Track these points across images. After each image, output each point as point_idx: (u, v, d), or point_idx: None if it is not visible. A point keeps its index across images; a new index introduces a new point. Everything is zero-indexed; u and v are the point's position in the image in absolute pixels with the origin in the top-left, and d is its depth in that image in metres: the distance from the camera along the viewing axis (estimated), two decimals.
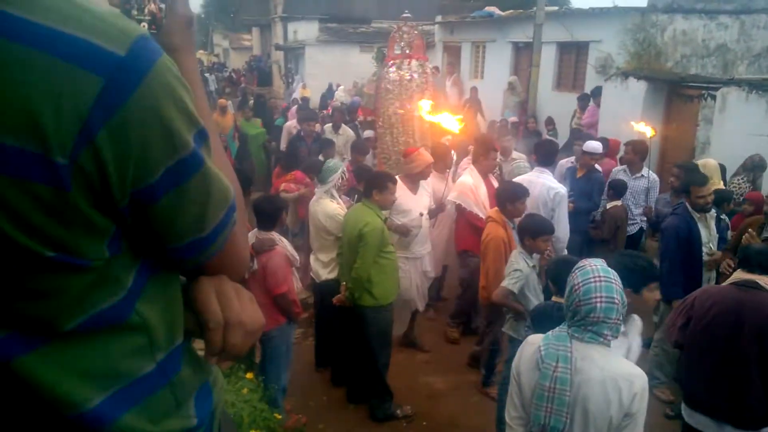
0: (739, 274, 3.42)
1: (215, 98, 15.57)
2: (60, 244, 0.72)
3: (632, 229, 6.57)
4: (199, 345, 1.00)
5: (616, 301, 2.26)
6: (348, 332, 4.75)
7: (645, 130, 6.39)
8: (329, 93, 18.94)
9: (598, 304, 2.25)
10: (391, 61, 7.63)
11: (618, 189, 6.33)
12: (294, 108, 13.10)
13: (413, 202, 5.25)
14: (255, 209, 4.20)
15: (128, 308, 0.82)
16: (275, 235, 4.21)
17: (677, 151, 8.99)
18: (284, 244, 4.24)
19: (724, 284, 3.59)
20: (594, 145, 6.45)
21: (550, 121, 10.97)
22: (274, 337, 4.20)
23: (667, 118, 9.63)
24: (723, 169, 6.50)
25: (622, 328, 2.43)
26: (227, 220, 0.90)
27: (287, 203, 5.95)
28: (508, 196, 4.71)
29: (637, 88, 9.62)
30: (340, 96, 17.67)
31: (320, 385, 5.12)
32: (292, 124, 10.04)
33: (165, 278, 0.90)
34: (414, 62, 7.59)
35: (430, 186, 5.59)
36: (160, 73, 0.76)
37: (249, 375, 4.54)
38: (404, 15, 8.15)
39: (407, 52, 7.62)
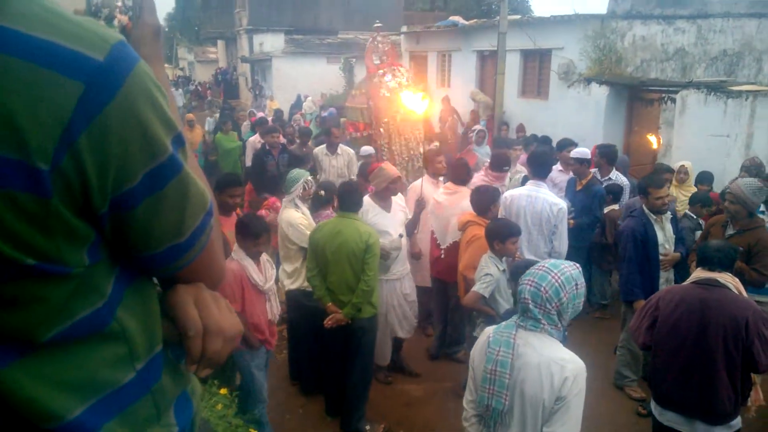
0: (699, 273, 3.49)
1: (182, 114, 15.28)
2: (41, 252, 0.71)
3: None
4: None
5: (543, 289, 2.42)
6: (322, 343, 4.67)
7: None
8: (298, 104, 18.92)
9: (526, 287, 2.47)
10: (382, 70, 7.65)
11: (616, 194, 6.35)
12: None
13: (389, 222, 4.93)
14: (237, 227, 4.09)
15: (108, 316, 0.82)
16: (236, 255, 4.02)
17: (640, 153, 9.20)
18: (245, 264, 3.99)
19: (686, 283, 3.64)
20: (582, 151, 6.40)
21: (521, 128, 11.07)
22: (239, 360, 4.15)
23: (629, 122, 9.86)
24: (711, 177, 6.67)
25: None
26: (204, 225, 0.90)
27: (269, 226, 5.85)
28: (497, 235, 4.31)
29: (600, 93, 9.83)
30: (309, 107, 17.65)
31: (296, 398, 5.07)
32: (256, 139, 9.78)
33: (142, 286, 0.90)
34: (402, 69, 7.68)
35: (403, 200, 5.31)
36: (139, 78, 0.77)
37: (223, 390, 4.50)
38: (376, 25, 8.16)
39: (384, 61, 7.66)
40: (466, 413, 2.69)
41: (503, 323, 2.61)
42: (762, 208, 5.14)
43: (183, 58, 43.42)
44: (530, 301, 2.44)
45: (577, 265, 2.57)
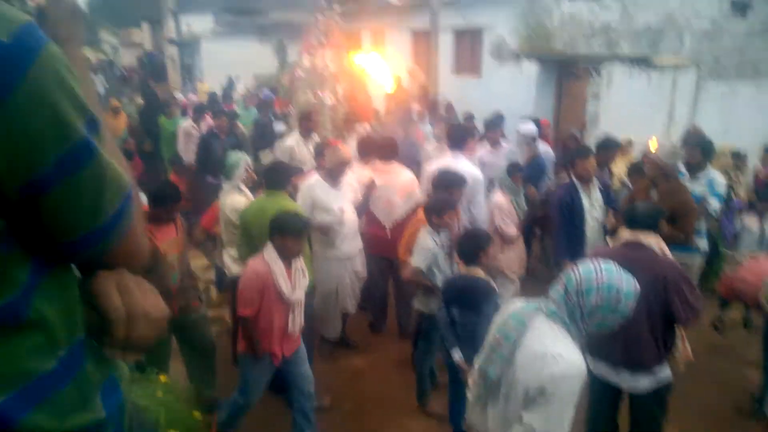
0: (625, 233, 3.65)
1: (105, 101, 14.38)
2: None
3: None
4: None
5: (578, 281, 2.35)
6: None
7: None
8: (230, 87, 18.49)
9: (570, 273, 2.40)
10: (306, 50, 7.54)
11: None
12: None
13: (333, 198, 4.90)
14: (274, 223, 3.75)
15: (24, 306, 0.80)
16: (267, 255, 3.66)
17: (570, 125, 9.47)
18: (274, 268, 3.63)
19: (614, 245, 3.81)
20: (529, 128, 6.60)
21: (450, 108, 11.12)
22: (242, 362, 3.90)
23: (559, 96, 10.15)
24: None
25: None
26: (123, 209, 0.88)
27: None
28: (434, 210, 4.32)
29: (531, 69, 10.06)
30: (242, 88, 17.26)
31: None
32: (189, 124, 9.37)
33: (60, 274, 0.88)
34: (329, 51, 7.54)
35: (356, 182, 5.26)
36: (48, 61, 0.75)
37: (162, 377, 4.40)
38: (320, 4, 8.02)
39: (324, 41, 7.54)
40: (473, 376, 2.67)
41: (529, 303, 2.50)
42: (683, 171, 5.41)
43: (106, 41, 41.59)
44: (562, 287, 2.38)
45: (637, 285, 2.43)
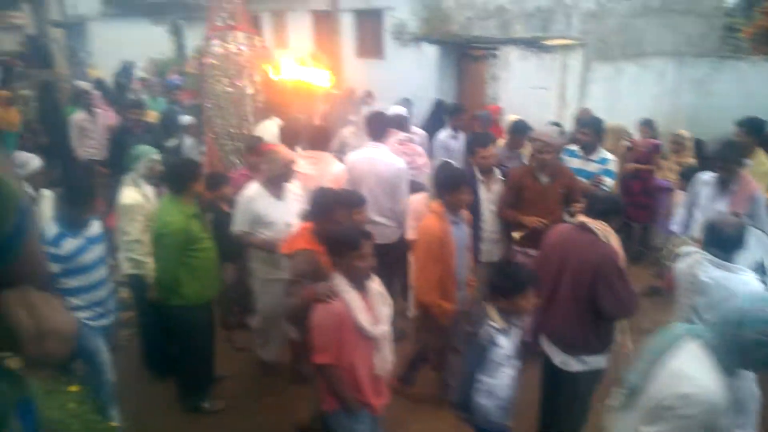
0: (582, 218, 3.69)
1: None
2: None
3: None
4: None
5: (733, 309, 2.32)
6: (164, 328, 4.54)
7: None
8: (124, 72, 17.57)
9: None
10: (212, 34, 7.11)
11: None
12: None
13: (279, 211, 4.45)
14: (326, 241, 3.25)
15: None
16: (341, 283, 3.03)
17: (472, 107, 9.74)
18: (349, 300, 3.00)
19: (569, 225, 3.92)
20: (397, 108, 6.84)
21: (369, 95, 10.94)
22: (335, 423, 3.22)
23: (459, 78, 10.40)
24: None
25: None
26: (20, 225, 0.86)
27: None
28: (448, 184, 4.06)
29: (431, 51, 10.23)
30: (142, 74, 16.47)
31: (149, 385, 4.90)
32: (81, 117, 8.66)
33: None
34: (240, 34, 7.09)
35: (299, 188, 4.77)
36: None
37: (73, 388, 4.21)
38: None
39: (230, 24, 7.14)
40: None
41: (687, 325, 2.58)
42: (575, 150, 5.73)
43: None
44: (714, 310, 2.43)
45: None
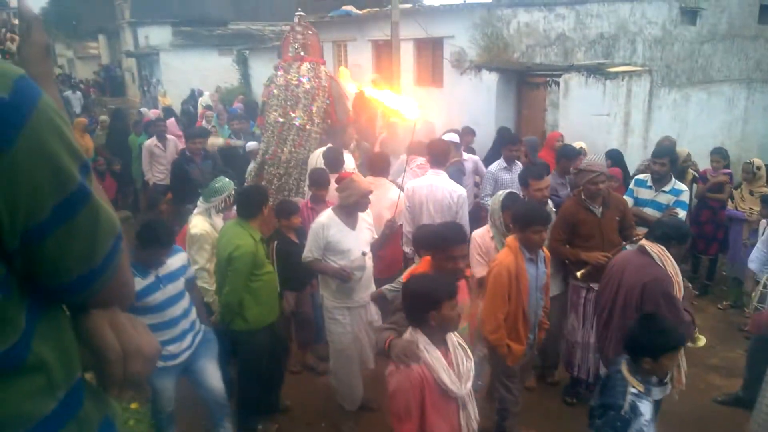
0: (643, 241, 3.83)
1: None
2: None
3: None
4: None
5: None
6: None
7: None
8: (191, 99, 18.29)
9: None
10: (281, 64, 7.29)
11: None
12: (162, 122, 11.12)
13: (352, 240, 4.36)
14: (404, 290, 2.92)
15: (24, 349, 0.81)
16: (420, 340, 2.70)
17: (529, 133, 9.66)
18: (430, 360, 2.67)
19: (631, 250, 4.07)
20: (450, 136, 6.81)
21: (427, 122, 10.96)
22: None
23: (518, 105, 10.34)
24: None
25: None
26: (115, 249, 0.90)
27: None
28: (524, 220, 3.87)
29: (490, 79, 10.22)
30: (206, 101, 17.08)
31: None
32: (152, 142, 8.96)
33: (55, 314, 0.90)
34: (305, 65, 7.24)
35: (370, 217, 4.72)
36: (44, 112, 0.77)
37: (134, 405, 4.37)
38: (298, 13, 7.80)
39: (301, 54, 7.29)
40: None
41: None
42: (647, 181, 5.60)
43: (61, 54, 40.64)
44: None
45: None
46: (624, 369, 2.87)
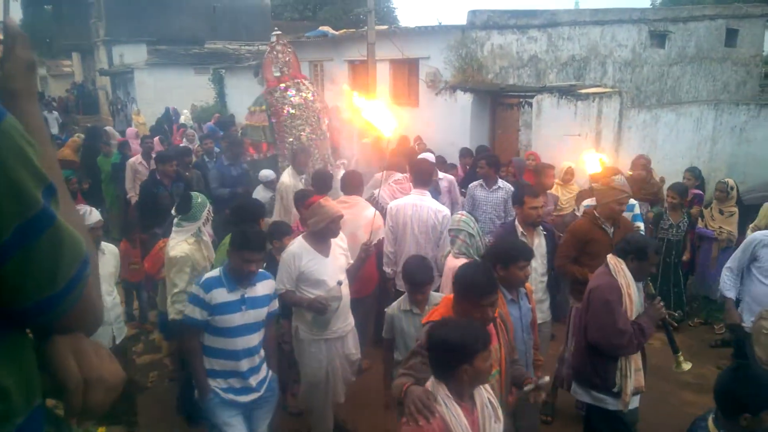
0: (609, 255, 3.95)
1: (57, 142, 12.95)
2: None
3: None
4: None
5: None
6: None
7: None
8: (166, 118, 18.16)
9: None
10: (284, 84, 7.26)
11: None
12: (137, 141, 11.12)
13: (327, 268, 4.13)
14: (430, 339, 2.52)
15: None
16: (440, 392, 2.41)
17: (504, 154, 9.77)
18: (449, 420, 2.35)
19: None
20: (425, 155, 6.89)
21: (419, 140, 10.58)
22: None
23: (492, 125, 10.46)
24: None
25: None
26: (80, 274, 0.89)
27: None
28: (498, 258, 3.59)
29: (465, 99, 10.34)
30: (187, 120, 16.97)
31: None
32: (137, 161, 8.83)
33: (16, 338, 0.87)
34: (307, 82, 7.28)
35: (344, 242, 4.50)
36: (6, 135, 0.76)
37: (101, 430, 4.27)
38: (275, 32, 7.84)
39: (285, 73, 7.30)
40: None
41: None
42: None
43: None
44: None
45: None
46: (710, 424, 2.64)
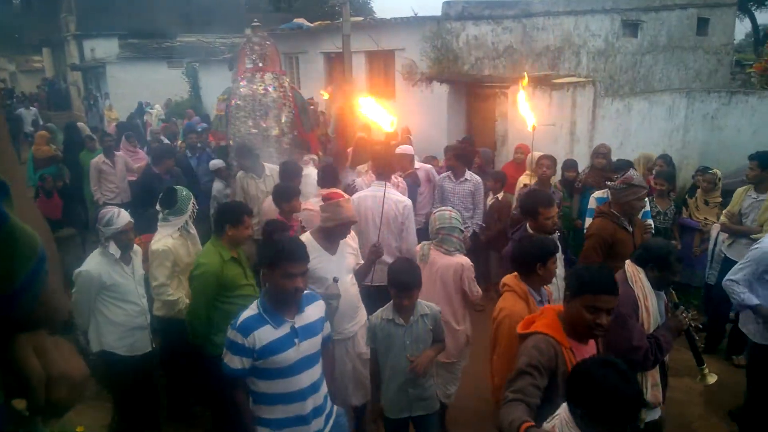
0: (628, 261, 3.64)
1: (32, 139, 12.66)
2: None
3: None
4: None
5: None
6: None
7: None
8: (139, 113, 17.92)
9: None
10: (242, 75, 7.17)
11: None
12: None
13: (331, 266, 4.01)
14: None
15: None
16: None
17: (481, 145, 9.81)
18: None
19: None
20: (404, 148, 6.88)
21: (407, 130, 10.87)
22: None
23: (469, 116, 10.50)
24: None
25: None
26: (37, 271, 0.88)
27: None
28: (536, 255, 3.40)
29: (441, 90, 10.36)
30: (159, 114, 16.77)
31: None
32: (100, 160, 8.58)
33: None
34: (268, 75, 7.10)
35: (356, 242, 4.39)
36: None
37: (79, 429, 4.24)
38: (254, 24, 7.71)
39: (260, 65, 7.18)
40: None
41: None
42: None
43: (3, 68, 39.38)
44: None
45: None
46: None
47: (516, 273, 3.49)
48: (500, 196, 7.05)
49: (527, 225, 4.28)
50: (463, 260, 4.33)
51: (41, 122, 18.28)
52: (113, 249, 4.14)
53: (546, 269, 3.37)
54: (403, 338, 3.52)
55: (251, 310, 3.04)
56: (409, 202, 5.23)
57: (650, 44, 12.85)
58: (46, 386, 0.90)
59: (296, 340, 3.00)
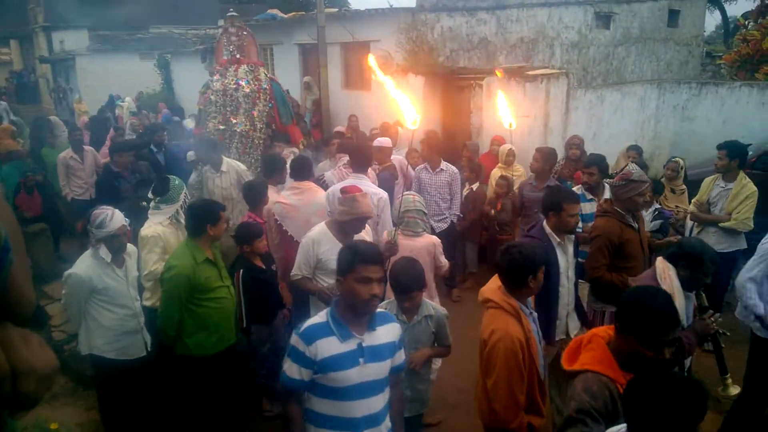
0: (659, 258, 3.55)
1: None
2: None
3: (441, 225, 6.73)
4: None
5: None
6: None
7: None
8: (110, 106, 17.61)
9: None
10: (218, 68, 7.04)
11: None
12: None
13: None
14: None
15: None
16: None
17: (457, 136, 9.84)
18: None
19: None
20: (382, 141, 6.83)
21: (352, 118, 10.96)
22: None
23: (444, 108, 10.52)
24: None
25: None
26: (1, 261, 0.86)
27: None
28: (528, 268, 3.16)
29: (416, 82, 10.35)
30: (131, 107, 16.46)
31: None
32: (67, 155, 8.41)
33: None
34: (243, 68, 6.94)
35: (370, 235, 4.34)
36: None
37: (54, 425, 4.20)
38: (230, 14, 7.57)
39: (237, 56, 7.03)
40: None
41: None
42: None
43: None
44: None
45: None
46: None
47: (500, 286, 3.24)
48: (475, 186, 7.11)
49: (544, 222, 4.12)
50: (432, 238, 4.61)
51: (12, 116, 17.84)
52: (104, 253, 4.00)
53: (536, 281, 3.18)
54: (408, 335, 3.41)
55: (319, 317, 2.73)
56: (385, 194, 5.19)
57: (623, 36, 12.97)
58: (12, 379, 0.88)
59: (361, 360, 2.64)
